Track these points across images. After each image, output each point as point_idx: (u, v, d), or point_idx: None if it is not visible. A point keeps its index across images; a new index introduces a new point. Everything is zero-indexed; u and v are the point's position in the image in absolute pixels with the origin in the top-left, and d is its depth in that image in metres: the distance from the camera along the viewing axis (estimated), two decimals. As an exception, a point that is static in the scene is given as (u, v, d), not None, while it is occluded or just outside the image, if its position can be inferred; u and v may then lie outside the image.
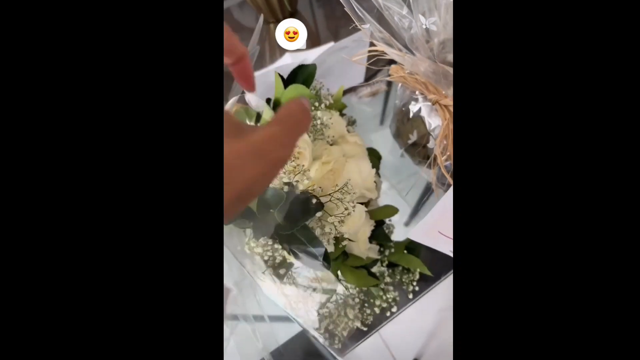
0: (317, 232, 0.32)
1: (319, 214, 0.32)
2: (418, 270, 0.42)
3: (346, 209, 0.33)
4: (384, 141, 0.58)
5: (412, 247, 0.44)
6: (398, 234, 0.47)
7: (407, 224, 0.50)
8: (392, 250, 0.42)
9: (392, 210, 0.42)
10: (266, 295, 0.41)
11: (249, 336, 0.48)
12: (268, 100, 0.39)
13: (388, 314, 0.41)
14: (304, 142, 0.35)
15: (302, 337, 0.44)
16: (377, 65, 0.46)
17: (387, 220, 0.45)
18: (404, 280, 0.42)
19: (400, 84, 0.44)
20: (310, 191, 0.33)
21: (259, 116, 0.41)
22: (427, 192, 0.51)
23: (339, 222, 0.33)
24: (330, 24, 0.86)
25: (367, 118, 0.63)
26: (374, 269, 0.41)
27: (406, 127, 0.45)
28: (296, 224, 0.32)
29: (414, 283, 0.41)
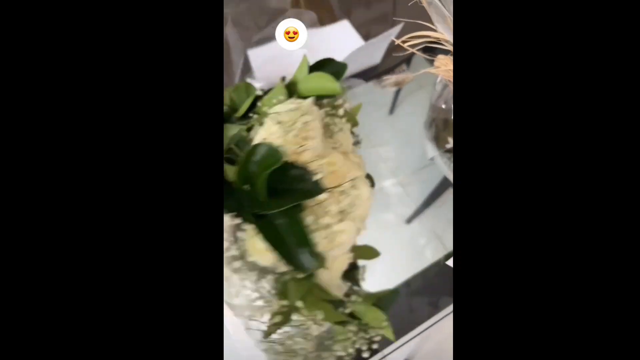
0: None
1: (322, 197, 0.25)
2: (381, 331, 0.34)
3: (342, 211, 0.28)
4: (393, 131, 0.55)
5: (384, 302, 0.36)
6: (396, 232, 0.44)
7: (409, 220, 0.48)
8: (360, 299, 0.34)
9: (372, 253, 0.37)
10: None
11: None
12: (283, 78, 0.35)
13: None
14: (315, 115, 0.30)
15: None
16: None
17: (360, 265, 0.37)
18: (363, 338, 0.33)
19: (439, 78, 0.40)
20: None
21: (256, 98, 0.35)
22: (444, 187, 0.48)
23: (339, 220, 0.27)
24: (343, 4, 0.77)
25: (375, 104, 0.58)
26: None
27: (446, 130, 0.42)
28: (284, 201, 0.24)
29: (373, 342, 0.33)
